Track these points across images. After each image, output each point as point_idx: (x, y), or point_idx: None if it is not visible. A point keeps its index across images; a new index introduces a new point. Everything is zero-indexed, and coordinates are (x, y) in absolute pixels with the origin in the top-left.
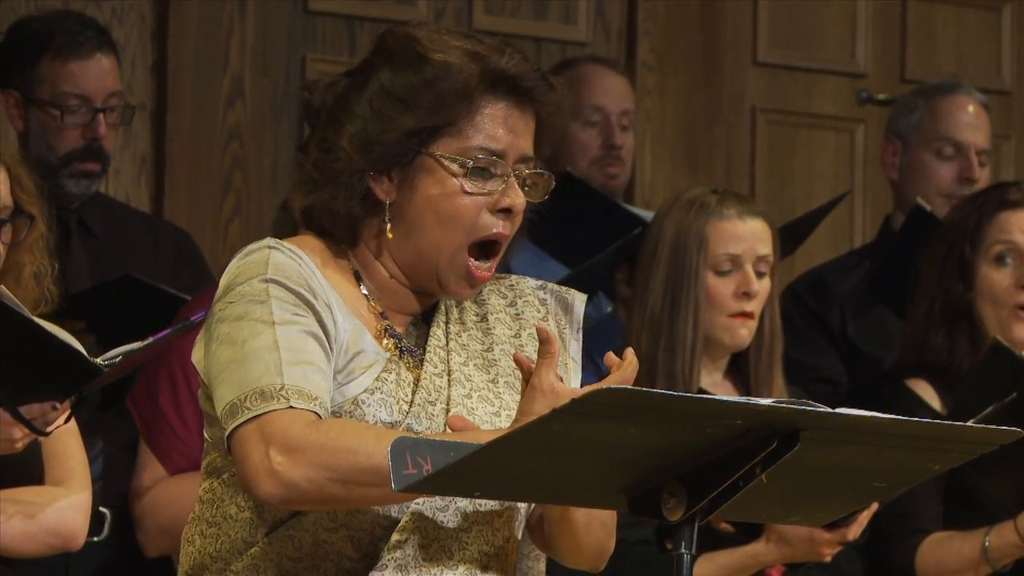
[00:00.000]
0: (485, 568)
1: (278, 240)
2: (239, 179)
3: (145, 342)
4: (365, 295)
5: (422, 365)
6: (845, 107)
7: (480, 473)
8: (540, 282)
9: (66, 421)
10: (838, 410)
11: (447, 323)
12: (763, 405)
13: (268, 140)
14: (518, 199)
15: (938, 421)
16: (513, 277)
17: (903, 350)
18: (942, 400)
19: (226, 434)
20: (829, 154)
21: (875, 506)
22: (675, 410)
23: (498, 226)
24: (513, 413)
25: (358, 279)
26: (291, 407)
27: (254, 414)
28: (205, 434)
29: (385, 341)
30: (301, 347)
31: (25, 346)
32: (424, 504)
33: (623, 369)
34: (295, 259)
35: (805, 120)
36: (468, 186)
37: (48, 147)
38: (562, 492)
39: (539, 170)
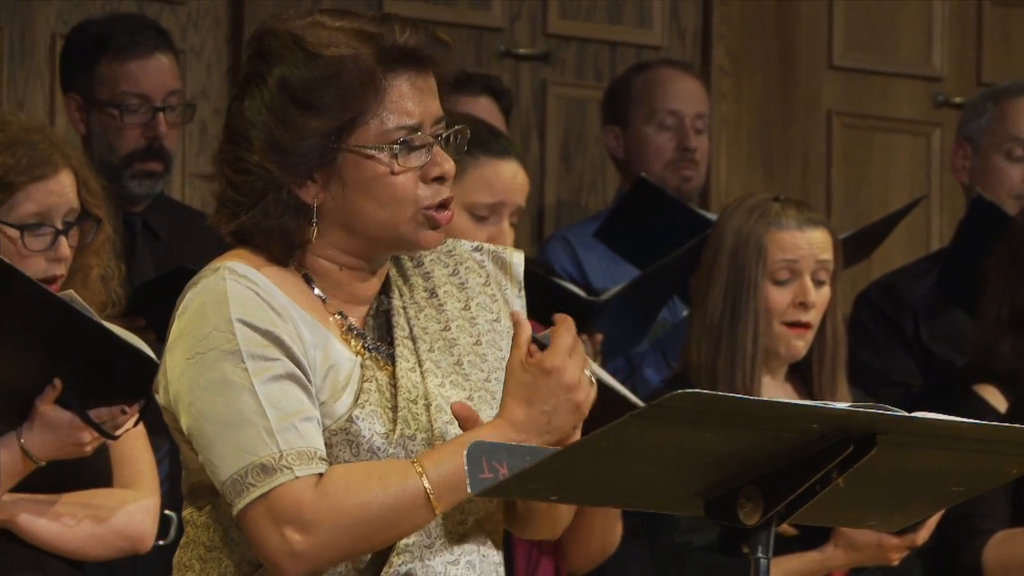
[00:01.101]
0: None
1: (229, 267)
2: None
3: None
4: (320, 297)
5: (394, 362)
6: (921, 111)
7: (556, 477)
8: (475, 243)
9: (135, 424)
10: (915, 414)
11: (404, 308)
12: (840, 409)
13: None
14: (447, 163)
15: (1016, 425)
16: (450, 242)
17: (971, 355)
18: (1009, 405)
19: (234, 512)
20: (905, 158)
21: None
22: (751, 414)
23: (440, 194)
24: (482, 393)
25: (308, 282)
26: (296, 477)
27: (260, 492)
28: (182, 457)
29: (352, 343)
30: (284, 400)
31: (95, 351)
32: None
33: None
34: (251, 287)
35: (881, 124)
36: (395, 167)
37: (110, 148)
38: (638, 496)
39: (455, 125)
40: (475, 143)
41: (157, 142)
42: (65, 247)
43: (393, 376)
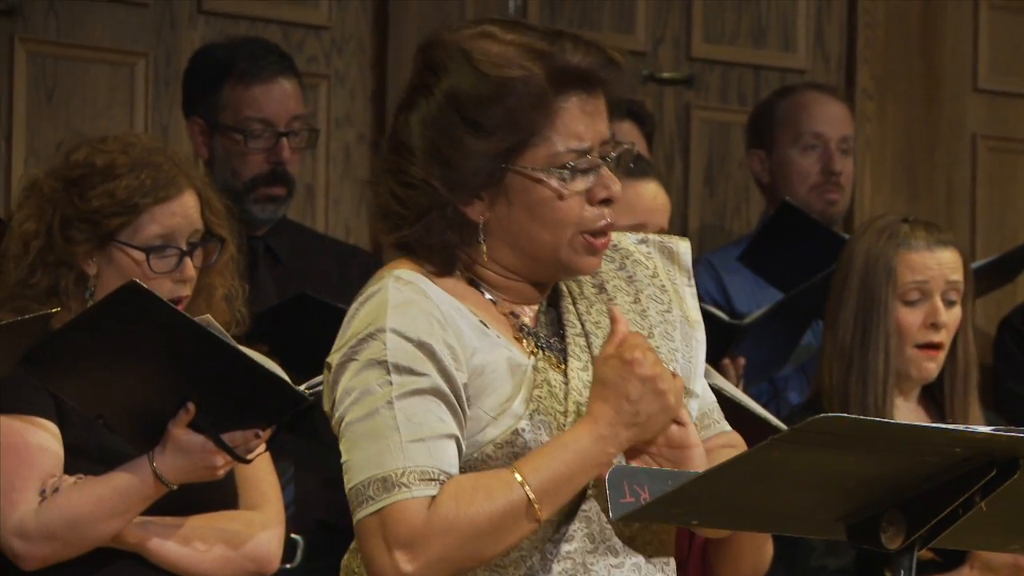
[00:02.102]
0: (650, 558)
1: (396, 274)
2: None
3: None
4: (491, 300)
5: (566, 360)
6: None
7: (698, 501)
8: (640, 235)
9: (266, 449)
10: None
11: (575, 304)
12: (982, 433)
13: None
14: (614, 187)
15: None
16: (614, 235)
17: None
18: None
19: (353, 521)
20: None
21: None
22: (893, 438)
23: (604, 216)
24: None
25: (477, 288)
26: (412, 497)
27: (377, 507)
28: None
29: (525, 342)
30: (421, 416)
31: (229, 375)
32: (591, 508)
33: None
34: (416, 294)
35: None
36: (563, 191)
37: (233, 173)
38: (780, 521)
39: (622, 145)
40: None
41: (281, 167)
42: (190, 268)
43: (565, 376)
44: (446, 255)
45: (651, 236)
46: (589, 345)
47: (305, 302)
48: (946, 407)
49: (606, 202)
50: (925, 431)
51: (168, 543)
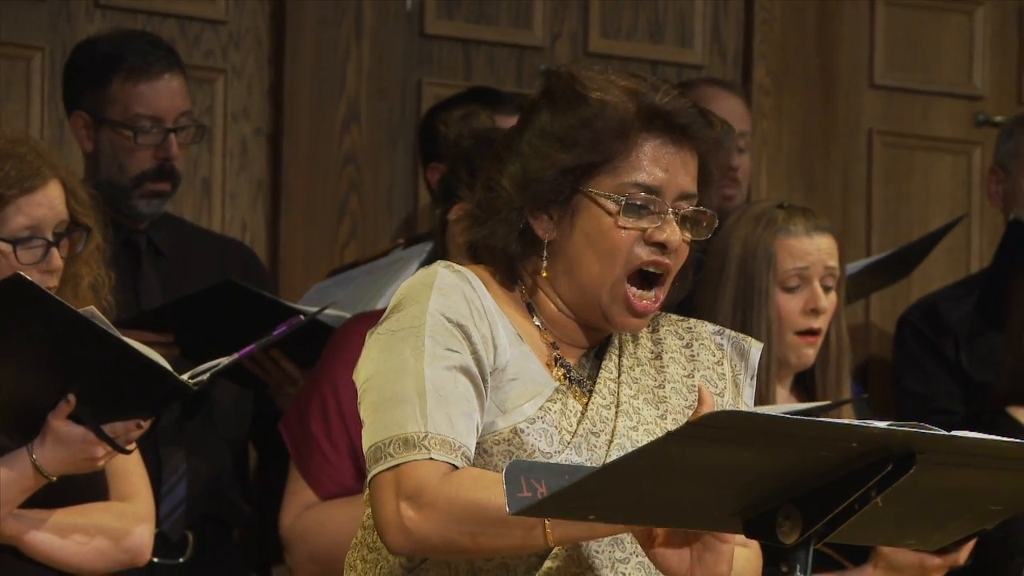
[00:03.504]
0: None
1: (448, 262)
2: (355, 203)
3: (231, 357)
4: (538, 326)
5: (591, 395)
6: (962, 129)
7: (595, 496)
8: (718, 327)
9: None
10: (954, 433)
11: (620, 356)
12: (878, 428)
13: (384, 164)
14: (673, 235)
15: None
16: (692, 321)
17: (1001, 381)
18: None
19: (368, 478)
20: (946, 177)
21: None
22: (790, 433)
23: (654, 256)
24: None
25: (530, 311)
26: (431, 458)
27: (395, 463)
28: None
29: (555, 370)
30: (450, 389)
31: (113, 366)
32: (553, 570)
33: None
34: (462, 283)
35: (922, 143)
36: (622, 221)
37: (119, 168)
38: (676, 515)
39: (700, 207)
40: None
41: (168, 163)
42: (57, 258)
43: (585, 408)
44: (508, 264)
45: (728, 331)
46: (619, 391)
47: (229, 288)
48: (818, 394)
49: (660, 246)
50: (821, 426)
51: (45, 536)
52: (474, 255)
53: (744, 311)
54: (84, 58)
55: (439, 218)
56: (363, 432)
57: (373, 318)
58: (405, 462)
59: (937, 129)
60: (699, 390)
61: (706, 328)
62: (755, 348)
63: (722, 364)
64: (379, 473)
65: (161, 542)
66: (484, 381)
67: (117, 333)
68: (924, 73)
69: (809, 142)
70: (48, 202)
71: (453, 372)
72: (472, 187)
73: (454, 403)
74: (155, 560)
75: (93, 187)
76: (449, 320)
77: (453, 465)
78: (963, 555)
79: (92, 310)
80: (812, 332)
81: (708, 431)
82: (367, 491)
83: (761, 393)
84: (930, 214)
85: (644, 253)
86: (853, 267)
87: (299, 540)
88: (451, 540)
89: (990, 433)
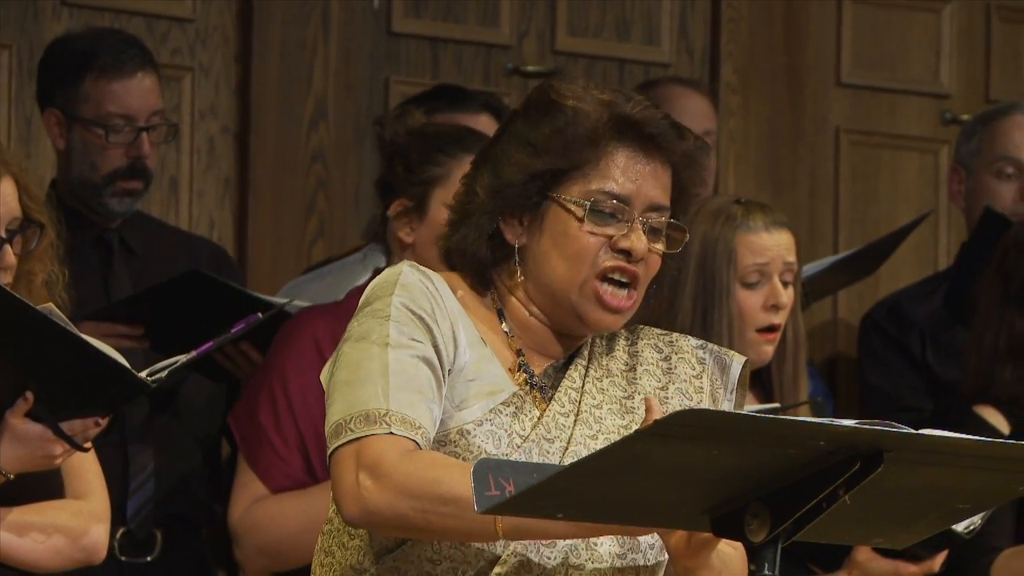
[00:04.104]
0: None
1: (412, 263)
2: (322, 201)
3: (190, 355)
4: (506, 332)
5: (550, 402)
6: (929, 128)
7: (562, 495)
8: (701, 342)
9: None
10: (922, 431)
11: (588, 366)
12: (846, 427)
13: (351, 162)
14: (638, 243)
15: (1022, 443)
16: (675, 335)
17: (968, 379)
18: (1012, 426)
19: (328, 453)
20: (913, 175)
21: None
22: (757, 432)
23: (617, 261)
24: None
25: (500, 317)
26: (391, 433)
27: (355, 436)
28: None
29: (517, 375)
30: (412, 374)
31: (71, 363)
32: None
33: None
34: (426, 281)
35: (889, 141)
36: (588, 226)
37: (91, 166)
38: (645, 514)
39: (670, 220)
40: (459, 145)
41: (140, 161)
42: (10, 255)
43: (543, 414)
44: (479, 269)
45: (711, 345)
46: (580, 401)
47: (196, 279)
48: (775, 390)
49: (625, 253)
50: (789, 424)
51: (2, 534)
52: (449, 261)
53: (704, 308)
54: (57, 55)
55: (380, 215)
56: (327, 412)
57: (324, 311)
58: (366, 435)
59: (904, 127)
60: (645, 401)
61: (689, 342)
62: (736, 362)
63: (700, 378)
64: (340, 447)
65: (129, 540)
66: (444, 374)
67: (75, 330)
68: (891, 71)
69: (776, 140)
70: (1, 199)
71: (416, 361)
72: (409, 183)
73: (416, 390)
74: (123, 559)
75: (65, 185)
76: (413, 312)
77: (414, 442)
78: (937, 562)
79: (50, 307)
80: (772, 329)
81: (675, 429)
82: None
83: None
84: (897, 212)
85: (608, 259)
86: (819, 264)
87: (249, 533)
88: (403, 515)
89: (957, 432)
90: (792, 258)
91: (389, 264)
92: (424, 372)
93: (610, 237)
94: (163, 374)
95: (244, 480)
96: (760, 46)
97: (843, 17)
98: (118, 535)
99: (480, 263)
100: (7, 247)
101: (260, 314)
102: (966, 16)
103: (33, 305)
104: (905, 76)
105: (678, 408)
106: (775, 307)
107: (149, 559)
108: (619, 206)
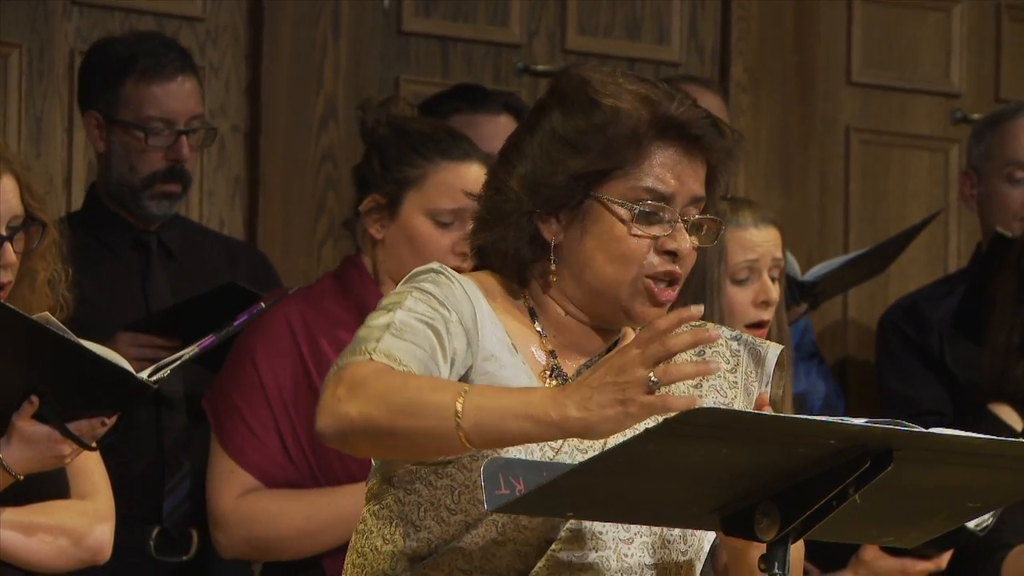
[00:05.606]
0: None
1: (442, 266)
2: (332, 201)
3: (192, 351)
4: (539, 332)
5: None
6: (939, 127)
7: (572, 494)
8: (735, 332)
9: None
10: (931, 430)
11: None
12: (856, 425)
13: None
14: (684, 243)
15: None
16: (708, 325)
17: (983, 378)
18: None
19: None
20: (924, 174)
21: None
22: (768, 430)
23: (666, 265)
24: None
25: (532, 317)
26: (370, 360)
27: (341, 363)
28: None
29: (548, 382)
30: (412, 329)
31: (73, 369)
32: (561, 551)
33: None
34: (453, 282)
35: (899, 140)
36: (635, 229)
37: (131, 168)
38: (655, 513)
39: (708, 215)
40: (436, 148)
41: (179, 164)
42: (11, 254)
43: None
44: (516, 266)
45: (746, 336)
46: None
47: (233, 291)
48: None
49: (671, 254)
50: (799, 423)
51: (8, 533)
52: (481, 259)
53: (695, 304)
54: (98, 59)
55: (353, 206)
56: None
57: (296, 296)
58: (349, 362)
59: (914, 126)
60: (759, 397)
61: (723, 333)
62: (772, 352)
63: (735, 372)
64: (328, 375)
65: (165, 540)
66: (447, 358)
67: (72, 336)
68: (901, 70)
69: (786, 139)
70: (2, 197)
71: (422, 326)
72: (384, 180)
73: (411, 341)
74: (158, 558)
75: (104, 187)
76: (435, 298)
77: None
78: (944, 560)
79: (46, 316)
80: (761, 324)
81: (686, 428)
82: (368, 485)
83: None
84: (908, 211)
85: (657, 262)
86: (830, 264)
87: (241, 524)
88: (369, 416)
89: (973, 430)
90: (779, 254)
91: (360, 255)
92: (429, 336)
93: (656, 238)
94: (166, 372)
95: (228, 467)
96: (770, 45)
97: (853, 16)
98: (154, 534)
99: (521, 262)
100: (7, 245)
101: (263, 304)
102: (976, 15)
103: (28, 315)
104: (915, 75)
105: (711, 404)
106: (765, 303)
107: (185, 558)
108: (662, 205)
